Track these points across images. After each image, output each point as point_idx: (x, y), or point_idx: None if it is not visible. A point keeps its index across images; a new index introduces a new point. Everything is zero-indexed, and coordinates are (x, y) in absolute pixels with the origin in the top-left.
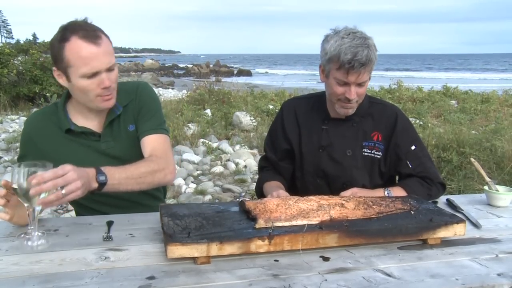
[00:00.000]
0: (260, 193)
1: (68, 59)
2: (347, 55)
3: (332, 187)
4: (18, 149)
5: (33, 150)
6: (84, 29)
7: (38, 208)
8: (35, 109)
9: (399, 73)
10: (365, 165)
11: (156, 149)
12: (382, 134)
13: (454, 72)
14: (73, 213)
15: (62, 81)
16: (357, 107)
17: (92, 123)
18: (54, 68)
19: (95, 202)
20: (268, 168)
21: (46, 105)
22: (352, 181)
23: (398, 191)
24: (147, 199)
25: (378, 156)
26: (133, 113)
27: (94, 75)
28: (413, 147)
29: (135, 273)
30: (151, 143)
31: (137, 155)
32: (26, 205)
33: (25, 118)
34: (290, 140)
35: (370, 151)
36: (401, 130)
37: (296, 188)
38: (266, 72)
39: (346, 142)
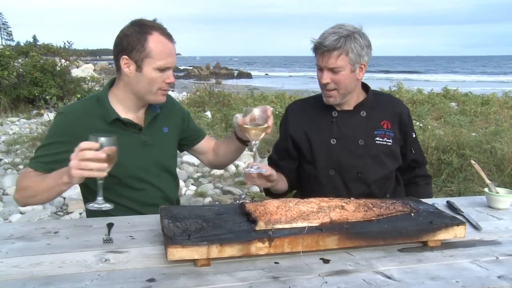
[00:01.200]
0: (267, 189)
1: (150, 50)
2: (318, 39)
3: (346, 177)
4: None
5: (71, 139)
6: (162, 27)
7: (257, 142)
8: (35, 111)
9: (399, 75)
10: (378, 153)
11: None
12: (391, 122)
13: (454, 74)
14: (73, 215)
15: (128, 70)
16: (363, 100)
17: (132, 116)
18: (124, 56)
19: (124, 198)
20: (271, 164)
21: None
22: (366, 170)
23: None
24: (164, 202)
25: (390, 144)
26: (168, 119)
27: (165, 69)
28: (413, 135)
29: (135, 275)
30: (211, 140)
31: (166, 153)
32: None
33: (25, 120)
34: (295, 140)
35: (382, 139)
36: (407, 119)
37: (303, 186)
38: (266, 74)
39: (357, 132)
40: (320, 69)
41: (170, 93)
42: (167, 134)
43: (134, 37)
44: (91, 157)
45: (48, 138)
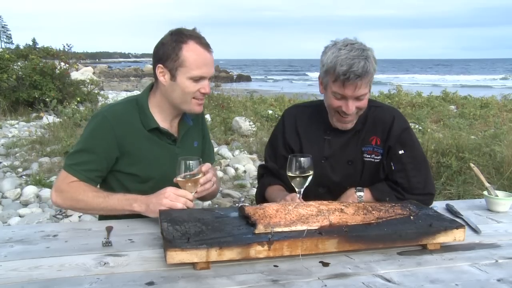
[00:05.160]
0: (262, 199)
1: (183, 59)
2: (343, 67)
3: (336, 195)
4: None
5: (111, 142)
6: (199, 37)
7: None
8: (34, 114)
9: (398, 78)
10: (367, 170)
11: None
12: (380, 138)
13: (453, 77)
14: (72, 219)
15: (163, 78)
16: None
17: (167, 125)
18: (159, 65)
19: None
20: (268, 174)
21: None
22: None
23: (367, 193)
24: None
25: (378, 160)
26: (198, 133)
27: (199, 79)
28: (400, 152)
29: (135, 278)
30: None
31: None
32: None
33: (24, 123)
34: (291, 147)
35: (369, 156)
36: (396, 133)
37: None
38: (266, 77)
39: (346, 151)
40: (342, 98)
41: None
42: (197, 148)
43: (169, 46)
44: (183, 202)
45: (88, 140)
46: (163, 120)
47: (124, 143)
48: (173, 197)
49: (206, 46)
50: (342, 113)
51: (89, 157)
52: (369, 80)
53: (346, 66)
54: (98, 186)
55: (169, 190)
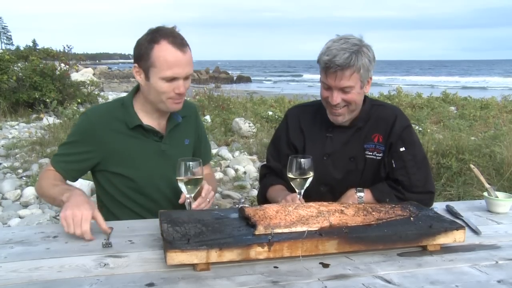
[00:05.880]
0: (264, 199)
1: (154, 60)
2: (328, 56)
3: (338, 193)
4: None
5: (92, 140)
6: (173, 36)
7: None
8: (34, 115)
9: (398, 79)
10: (368, 167)
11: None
12: (382, 136)
13: (454, 78)
14: None
15: (139, 78)
16: (359, 114)
17: (154, 123)
18: (135, 65)
19: (138, 206)
20: (270, 174)
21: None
22: (357, 186)
23: (367, 194)
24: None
25: (379, 158)
26: (190, 131)
27: (172, 79)
28: (401, 149)
29: (135, 279)
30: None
31: None
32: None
33: (24, 124)
34: (295, 146)
35: (371, 153)
36: (397, 131)
37: None
38: (265, 78)
39: (349, 148)
40: (329, 88)
41: None
42: (188, 146)
43: (143, 46)
44: (78, 229)
45: (70, 136)
46: (149, 118)
47: (106, 141)
48: (77, 217)
49: (179, 45)
50: (332, 106)
51: (68, 150)
52: (353, 72)
53: (330, 56)
54: (93, 186)
55: (78, 210)
